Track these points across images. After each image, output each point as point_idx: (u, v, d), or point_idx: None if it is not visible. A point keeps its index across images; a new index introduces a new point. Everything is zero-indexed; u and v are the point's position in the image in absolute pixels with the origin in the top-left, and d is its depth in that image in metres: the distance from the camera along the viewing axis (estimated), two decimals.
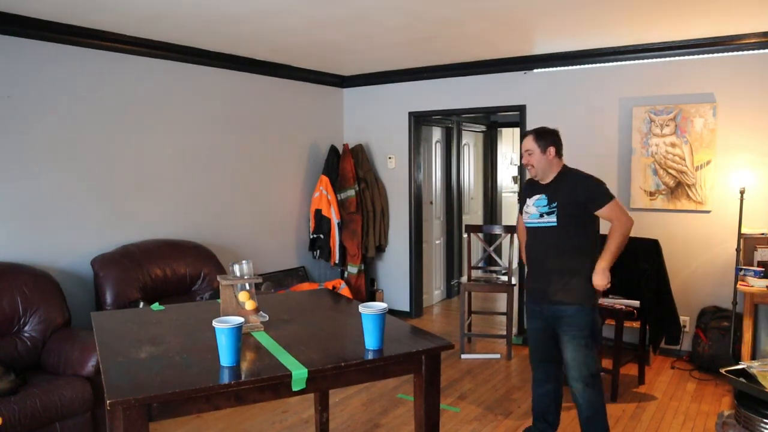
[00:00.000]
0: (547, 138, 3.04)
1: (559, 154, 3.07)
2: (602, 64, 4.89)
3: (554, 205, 2.99)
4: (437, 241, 6.84)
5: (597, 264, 2.95)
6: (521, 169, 5.46)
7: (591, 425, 3.03)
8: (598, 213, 2.97)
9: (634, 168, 4.81)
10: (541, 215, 3.04)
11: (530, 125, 5.28)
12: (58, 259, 3.95)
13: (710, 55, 4.48)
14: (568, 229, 2.98)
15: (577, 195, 2.97)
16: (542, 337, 3.14)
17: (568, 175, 3.07)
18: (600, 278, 2.94)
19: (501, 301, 6.68)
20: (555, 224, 2.99)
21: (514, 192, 8.00)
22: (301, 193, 5.91)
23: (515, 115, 5.51)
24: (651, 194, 4.77)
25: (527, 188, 3.22)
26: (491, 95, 5.49)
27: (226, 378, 1.83)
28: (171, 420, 3.47)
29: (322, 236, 5.82)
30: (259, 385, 1.86)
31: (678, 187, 4.66)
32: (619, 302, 4.11)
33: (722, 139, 4.48)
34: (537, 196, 3.09)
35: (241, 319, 1.97)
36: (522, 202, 3.24)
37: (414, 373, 2.15)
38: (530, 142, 3.05)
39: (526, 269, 3.27)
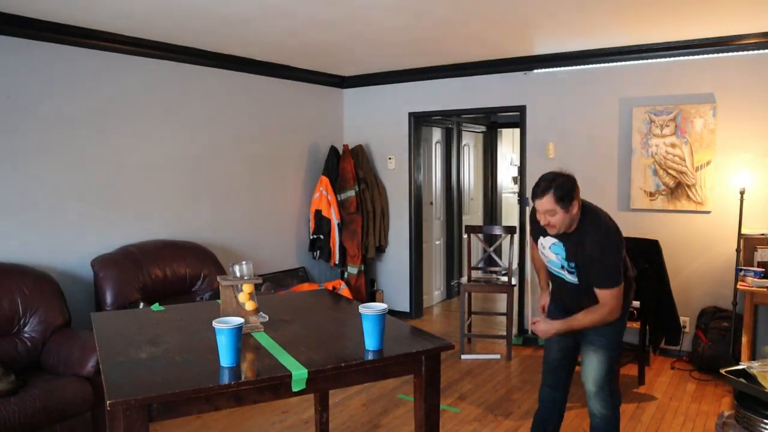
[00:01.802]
0: (570, 194, 2.54)
1: (580, 204, 2.62)
2: (602, 64, 4.89)
3: (573, 265, 2.67)
4: (437, 242, 6.84)
5: (560, 321, 2.70)
6: (521, 169, 5.46)
7: None
8: (596, 290, 2.61)
9: (634, 168, 4.81)
10: (562, 267, 2.73)
11: (530, 125, 5.29)
12: (58, 260, 3.96)
13: (710, 55, 4.48)
14: (591, 288, 2.65)
15: (590, 257, 2.58)
16: (562, 345, 2.93)
17: (587, 223, 2.62)
18: (545, 328, 2.72)
19: (501, 301, 6.68)
20: (577, 283, 2.70)
21: (514, 192, 8.00)
22: (301, 194, 5.91)
23: (515, 116, 5.51)
24: (651, 194, 4.77)
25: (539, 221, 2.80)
26: (491, 95, 5.49)
27: (226, 378, 1.83)
28: (171, 420, 3.46)
29: (322, 237, 5.82)
30: (259, 386, 1.86)
31: (678, 188, 4.66)
32: None
33: (722, 139, 4.48)
34: (553, 241, 2.73)
35: (241, 320, 1.97)
36: (534, 230, 2.89)
37: (414, 373, 2.15)
38: (551, 203, 2.53)
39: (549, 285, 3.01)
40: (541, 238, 2.81)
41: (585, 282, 2.66)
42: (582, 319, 2.66)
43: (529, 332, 2.78)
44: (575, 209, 2.57)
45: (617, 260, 2.59)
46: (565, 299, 2.86)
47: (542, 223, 2.63)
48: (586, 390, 2.86)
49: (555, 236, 2.69)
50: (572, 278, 2.71)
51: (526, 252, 5.37)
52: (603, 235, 2.59)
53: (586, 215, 2.65)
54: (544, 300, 3.04)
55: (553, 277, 2.91)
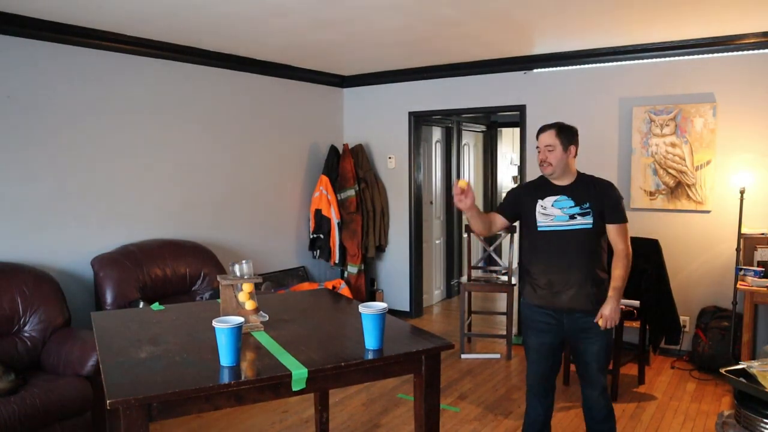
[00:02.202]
0: (570, 135, 2.80)
1: (576, 154, 2.83)
2: (602, 64, 4.89)
3: (587, 205, 2.76)
4: (437, 241, 6.84)
5: (610, 297, 2.75)
6: (521, 169, 5.46)
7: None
8: (610, 227, 2.79)
9: (634, 168, 4.81)
10: (572, 217, 2.77)
11: (530, 125, 5.28)
12: (58, 259, 3.95)
13: (710, 55, 4.48)
14: (598, 232, 2.78)
15: (603, 200, 2.78)
16: (554, 352, 2.92)
17: (588, 178, 2.86)
18: (615, 312, 2.74)
19: (501, 301, 6.68)
20: (590, 226, 2.75)
21: None
22: (301, 193, 5.91)
23: (515, 115, 5.51)
24: (651, 194, 4.77)
25: (532, 191, 2.90)
26: (491, 95, 5.49)
27: (226, 378, 1.83)
28: (171, 420, 3.47)
29: (322, 236, 5.82)
30: (259, 385, 1.86)
31: (678, 187, 4.66)
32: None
33: (722, 139, 4.48)
34: (554, 198, 2.81)
35: (241, 319, 1.97)
36: (524, 207, 2.89)
37: (414, 373, 2.15)
38: (552, 137, 2.77)
39: (530, 278, 2.92)
40: (540, 201, 2.84)
41: (598, 222, 2.77)
42: (618, 277, 2.78)
43: (605, 327, 2.78)
44: (571, 155, 2.80)
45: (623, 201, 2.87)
46: (559, 261, 2.78)
47: (540, 158, 2.81)
48: (594, 387, 2.85)
49: (554, 193, 2.82)
50: (587, 221, 2.76)
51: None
52: (608, 182, 2.87)
53: (588, 174, 2.89)
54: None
55: (547, 243, 2.82)
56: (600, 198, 2.78)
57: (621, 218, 2.81)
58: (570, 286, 2.78)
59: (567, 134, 2.79)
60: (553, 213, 2.81)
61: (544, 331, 2.89)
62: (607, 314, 2.75)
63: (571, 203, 2.79)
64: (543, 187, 2.88)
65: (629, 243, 2.84)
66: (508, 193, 3.06)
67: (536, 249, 2.88)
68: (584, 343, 2.83)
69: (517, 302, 5.38)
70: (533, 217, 2.85)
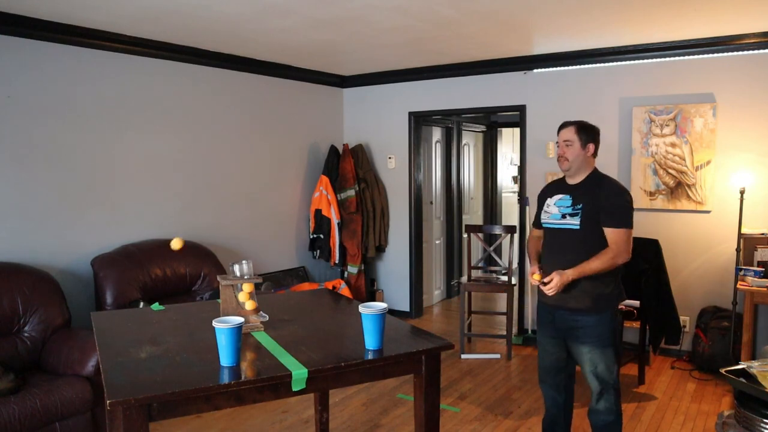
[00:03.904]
0: (590, 133, 2.85)
1: (595, 154, 2.87)
2: (602, 64, 4.89)
3: (579, 206, 2.78)
4: (437, 241, 6.84)
5: (566, 271, 2.72)
6: (521, 169, 5.46)
7: None
8: (605, 229, 2.74)
9: (634, 168, 4.81)
10: (563, 216, 2.81)
11: (530, 125, 5.29)
12: (58, 259, 3.95)
13: (710, 55, 4.48)
14: (591, 234, 2.75)
15: (602, 201, 2.75)
16: (555, 347, 2.92)
17: (600, 179, 2.85)
18: (556, 284, 2.70)
19: (501, 301, 6.68)
20: (577, 227, 2.76)
21: (514, 192, 8.01)
22: (301, 193, 5.91)
23: (515, 115, 5.50)
24: (651, 194, 4.77)
25: (548, 190, 3.02)
26: (491, 95, 5.49)
27: (226, 378, 1.83)
28: (171, 420, 3.47)
29: (322, 236, 5.82)
30: (259, 385, 1.85)
31: (678, 187, 4.66)
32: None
33: (722, 139, 4.48)
34: (559, 196, 2.88)
35: (241, 319, 1.97)
36: (540, 207, 3.03)
37: (414, 373, 2.15)
38: (571, 133, 2.83)
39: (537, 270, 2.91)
40: (548, 199, 2.96)
41: (587, 225, 2.76)
42: (593, 262, 2.71)
43: (531, 284, 2.81)
44: (589, 153, 2.84)
45: (630, 208, 2.80)
46: (557, 259, 2.82)
47: (558, 153, 2.88)
48: (591, 390, 2.84)
49: (562, 192, 2.89)
50: (574, 221, 2.78)
51: (526, 250, 5.36)
52: (620, 187, 2.86)
53: (601, 175, 2.88)
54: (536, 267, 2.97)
55: (549, 239, 2.93)
56: (598, 200, 2.76)
57: (616, 222, 2.74)
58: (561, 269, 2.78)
59: (587, 132, 2.85)
60: (551, 210, 2.90)
61: (543, 324, 2.98)
62: (556, 279, 2.71)
63: (569, 203, 2.84)
64: (557, 186, 2.98)
65: (625, 250, 2.75)
66: (538, 201, 3.10)
67: (545, 243, 2.99)
68: (574, 343, 2.84)
69: (516, 302, 5.41)
70: (540, 213, 3.00)
